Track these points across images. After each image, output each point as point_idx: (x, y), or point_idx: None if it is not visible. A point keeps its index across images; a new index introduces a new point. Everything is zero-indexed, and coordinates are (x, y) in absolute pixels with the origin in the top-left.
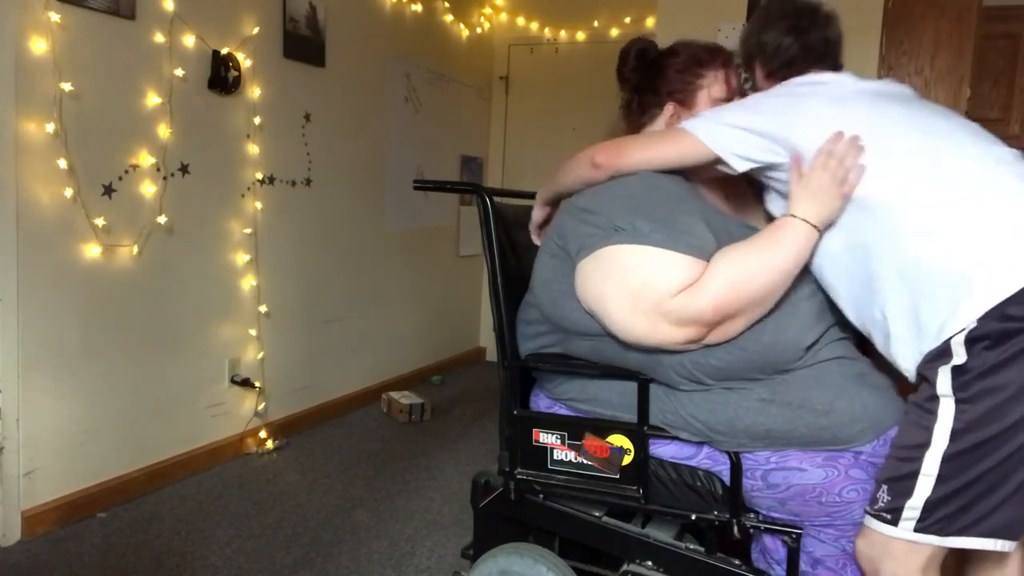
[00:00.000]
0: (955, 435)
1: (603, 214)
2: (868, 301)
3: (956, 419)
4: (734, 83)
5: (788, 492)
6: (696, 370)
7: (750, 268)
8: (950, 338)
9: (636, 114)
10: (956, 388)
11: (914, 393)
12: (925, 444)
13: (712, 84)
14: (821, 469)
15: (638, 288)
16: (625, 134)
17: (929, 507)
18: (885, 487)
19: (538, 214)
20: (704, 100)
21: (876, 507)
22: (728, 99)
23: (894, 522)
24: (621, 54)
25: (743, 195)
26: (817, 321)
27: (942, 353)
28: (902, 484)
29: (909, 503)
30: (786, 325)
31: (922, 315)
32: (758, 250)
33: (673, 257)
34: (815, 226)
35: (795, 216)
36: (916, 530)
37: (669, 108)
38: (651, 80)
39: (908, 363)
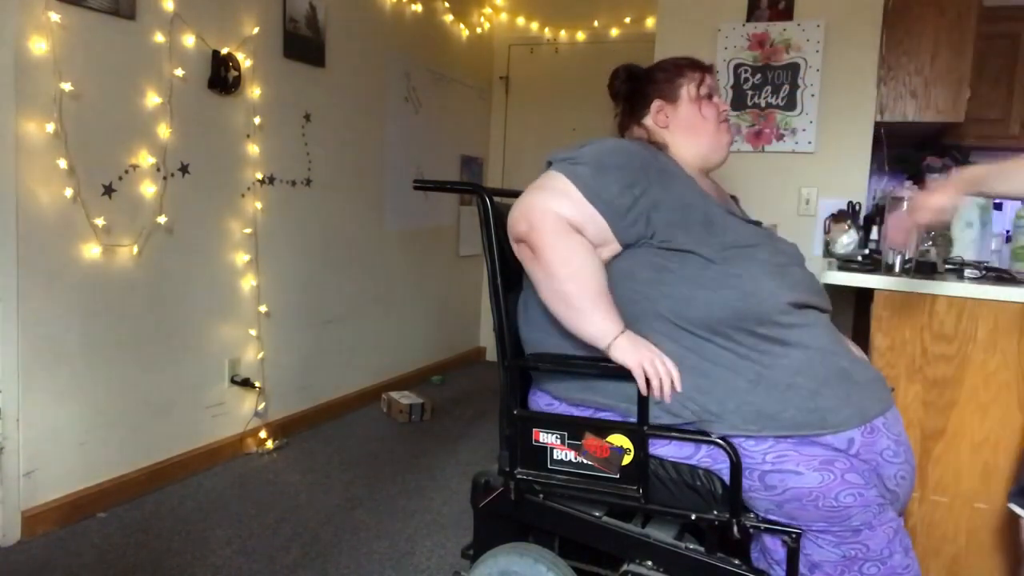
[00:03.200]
0: None
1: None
2: None
3: None
4: (710, 81)
5: (785, 495)
6: (678, 321)
7: (572, 275)
8: None
9: (627, 118)
10: None
11: None
12: None
13: (691, 83)
14: (817, 473)
15: (538, 187)
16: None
17: None
18: None
19: (945, 201)
20: (685, 96)
21: None
22: (708, 96)
23: None
24: (612, 75)
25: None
26: (796, 287)
27: None
28: None
29: None
30: (758, 276)
31: None
32: (586, 293)
33: (575, 194)
34: (612, 341)
35: (616, 338)
36: None
37: (656, 103)
38: (640, 88)
39: None
